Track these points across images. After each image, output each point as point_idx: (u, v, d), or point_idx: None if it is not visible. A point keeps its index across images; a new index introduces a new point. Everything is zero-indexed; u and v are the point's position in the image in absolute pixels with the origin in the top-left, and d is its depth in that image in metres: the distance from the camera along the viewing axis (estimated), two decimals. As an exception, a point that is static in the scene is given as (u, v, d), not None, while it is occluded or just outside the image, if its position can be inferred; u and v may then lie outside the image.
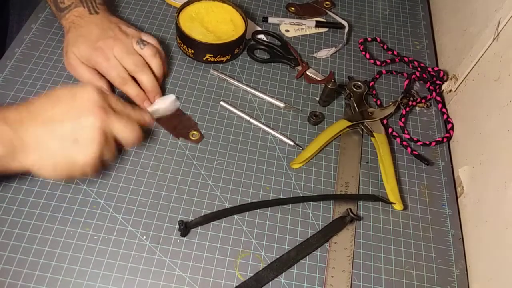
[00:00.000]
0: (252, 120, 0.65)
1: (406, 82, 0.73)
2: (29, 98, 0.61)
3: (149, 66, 0.62)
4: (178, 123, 0.63)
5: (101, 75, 0.61)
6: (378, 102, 0.70)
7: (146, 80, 0.61)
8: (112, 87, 0.62)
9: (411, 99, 0.70)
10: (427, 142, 0.67)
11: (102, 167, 0.51)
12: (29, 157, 0.45)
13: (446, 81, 0.74)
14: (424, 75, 0.74)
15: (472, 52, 0.67)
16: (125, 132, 0.50)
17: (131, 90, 0.61)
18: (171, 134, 0.61)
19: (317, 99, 0.70)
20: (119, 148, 0.52)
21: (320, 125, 0.67)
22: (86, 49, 0.59)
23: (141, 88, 0.62)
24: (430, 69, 0.75)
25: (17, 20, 0.79)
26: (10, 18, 0.80)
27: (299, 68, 0.72)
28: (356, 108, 0.67)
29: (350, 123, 0.65)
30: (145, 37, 0.64)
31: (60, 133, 0.46)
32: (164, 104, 0.61)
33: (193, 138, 0.61)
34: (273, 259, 0.53)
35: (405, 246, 0.57)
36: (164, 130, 0.62)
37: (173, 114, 0.63)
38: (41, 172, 0.47)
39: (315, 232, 0.56)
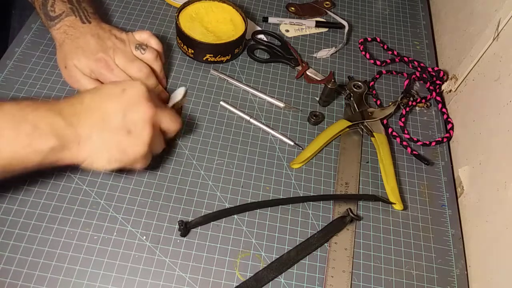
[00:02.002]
0: (252, 120, 0.65)
1: (406, 82, 0.73)
2: (28, 98, 0.61)
3: (152, 69, 0.62)
4: None
5: None
6: (378, 102, 0.70)
7: (152, 85, 0.62)
8: None
9: (411, 99, 0.70)
10: (427, 142, 0.67)
11: (151, 161, 0.53)
12: (83, 149, 0.47)
13: (446, 81, 0.74)
14: (424, 75, 0.74)
15: (472, 52, 0.67)
16: (171, 122, 0.53)
17: None
18: None
19: (317, 99, 0.70)
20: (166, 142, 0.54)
21: (320, 125, 0.67)
22: (87, 61, 0.58)
23: None
24: (430, 69, 0.75)
25: (19, 20, 0.79)
26: (12, 18, 0.80)
27: (299, 68, 0.72)
28: (356, 108, 0.67)
29: (350, 123, 0.65)
30: (139, 36, 0.63)
31: (114, 125, 0.47)
32: (180, 95, 0.59)
33: None
34: (273, 259, 0.53)
35: (405, 246, 0.57)
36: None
37: None
38: (95, 165, 0.48)
39: (315, 232, 0.56)
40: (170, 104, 0.58)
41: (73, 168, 0.55)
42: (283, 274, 0.53)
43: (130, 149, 0.49)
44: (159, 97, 0.55)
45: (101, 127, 0.47)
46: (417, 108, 0.72)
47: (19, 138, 0.44)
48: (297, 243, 0.55)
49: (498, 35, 0.62)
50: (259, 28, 0.77)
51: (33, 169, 0.46)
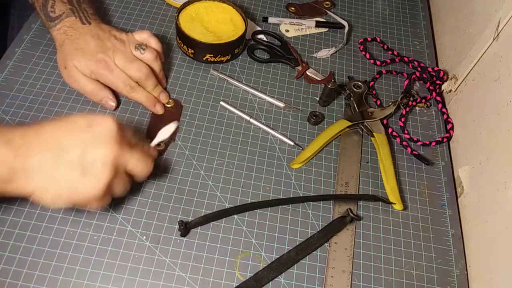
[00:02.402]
0: (252, 120, 0.65)
1: (406, 82, 0.73)
2: (29, 98, 0.61)
3: (152, 69, 0.62)
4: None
5: (104, 85, 0.61)
6: (378, 102, 0.70)
7: (152, 84, 0.62)
8: (116, 96, 0.62)
9: (411, 99, 0.70)
10: (427, 142, 0.67)
11: (112, 200, 0.50)
12: (30, 183, 0.43)
13: (446, 81, 0.74)
14: (424, 75, 0.74)
15: (472, 52, 0.67)
16: (138, 167, 0.49)
17: (140, 96, 0.61)
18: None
19: (317, 99, 0.70)
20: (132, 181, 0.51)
21: (320, 125, 0.67)
22: (87, 62, 0.58)
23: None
24: (430, 69, 0.75)
25: (18, 21, 0.79)
26: (11, 19, 0.80)
27: (299, 68, 0.72)
28: (356, 108, 0.67)
29: (350, 123, 0.65)
30: (138, 36, 0.63)
31: (68, 161, 0.44)
32: (168, 133, 0.57)
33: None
34: (273, 259, 0.53)
35: (405, 246, 0.57)
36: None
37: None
38: (42, 200, 0.44)
39: (315, 232, 0.56)
40: (156, 141, 0.54)
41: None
42: (283, 274, 0.53)
43: (83, 190, 0.44)
44: (132, 135, 0.50)
45: (54, 161, 0.44)
46: (417, 108, 0.72)
47: None
48: (297, 243, 0.55)
49: (498, 35, 0.62)
50: (259, 28, 0.77)
51: None
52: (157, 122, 0.61)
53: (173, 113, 0.63)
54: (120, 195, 0.49)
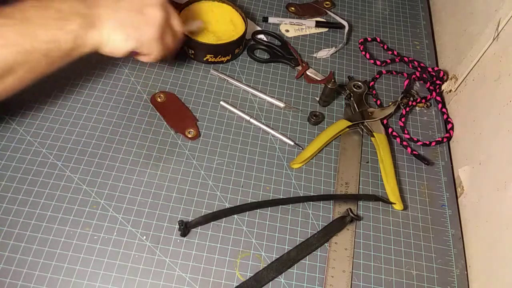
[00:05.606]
0: (252, 120, 0.65)
1: (406, 82, 0.73)
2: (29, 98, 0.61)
3: None
4: (179, 118, 0.63)
5: None
6: (378, 102, 0.70)
7: None
8: None
9: (411, 99, 0.70)
10: (427, 142, 0.67)
11: (166, 54, 0.58)
12: (103, 30, 0.51)
13: (446, 81, 0.74)
14: (424, 75, 0.74)
15: (472, 52, 0.67)
16: (179, 24, 0.58)
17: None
18: (171, 127, 0.62)
19: (317, 99, 0.70)
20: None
21: (320, 125, 0.67)
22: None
23: None
24: (430, 69, 0.75)
25: None
26: None
27: (299, 68, 0.72)
28: (356, 108, 0.67)
29: (350, 123, 0.65)
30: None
31: (128, 6, 0.53)
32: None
33: (189, 136, 0.62)
34: (273, 259, 0.53)
35: (405, 246, 0.57)
36: (164, 126, 0.62)
37: (177, 108, 0.64)
38: (115, 43, 0.52)
39: (315, 232, 0.56)
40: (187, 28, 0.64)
41: (73, 169, 0.56)
42: (283, 274, 0.53)
43: (144, 27, 0.53)
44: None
45: (117, 8, 0.52)
46: (417, 108, 0.72)
47: (49, 22, 0.48)
48: (297, 243, 0.55)
49: (498, 35, 0.62)
50: (259, 28, 0.77)
51: (68, 55, 0.50)
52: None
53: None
54: (169, 51, 0.59)
